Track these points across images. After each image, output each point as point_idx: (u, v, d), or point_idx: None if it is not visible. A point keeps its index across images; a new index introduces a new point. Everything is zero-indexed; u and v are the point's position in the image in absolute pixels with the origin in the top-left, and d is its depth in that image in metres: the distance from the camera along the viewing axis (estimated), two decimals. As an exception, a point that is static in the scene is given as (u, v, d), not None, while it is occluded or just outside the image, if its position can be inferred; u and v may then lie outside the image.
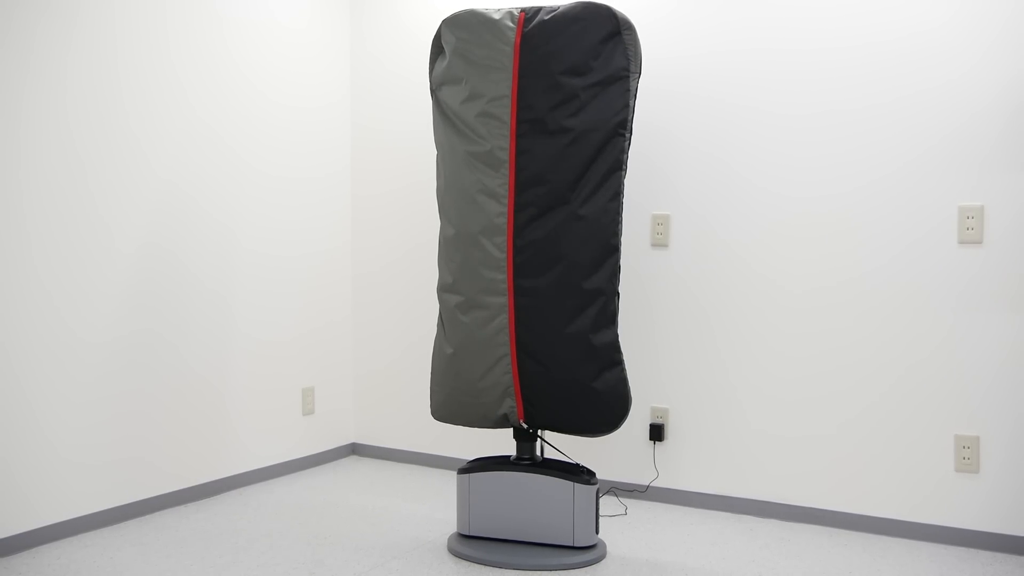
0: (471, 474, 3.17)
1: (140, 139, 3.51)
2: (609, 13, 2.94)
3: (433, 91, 3.20)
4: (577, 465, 3.14)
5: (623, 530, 3.41)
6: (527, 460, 3.17)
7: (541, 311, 3.00)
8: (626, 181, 3.79)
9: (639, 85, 3.76)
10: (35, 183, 3.16)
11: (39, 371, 3.18)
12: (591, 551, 3.08)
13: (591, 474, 3.13)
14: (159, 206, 3.58)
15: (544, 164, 2.97)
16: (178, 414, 3.68)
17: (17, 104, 3.10)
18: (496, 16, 3.03)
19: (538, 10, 3.03)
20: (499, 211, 3.03)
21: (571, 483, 3.06)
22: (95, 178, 3.35)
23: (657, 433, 3.74)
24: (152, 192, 3.55)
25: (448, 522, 3.50)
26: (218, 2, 3.81)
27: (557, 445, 3.84)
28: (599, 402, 3.00)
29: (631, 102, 2.98)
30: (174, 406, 3.66)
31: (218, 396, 3.85)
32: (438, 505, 3.73)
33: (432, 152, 4.28)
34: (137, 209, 3.50)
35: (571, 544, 3.08)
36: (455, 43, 3.08)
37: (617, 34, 2.95)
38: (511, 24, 3.00)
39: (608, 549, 3.20)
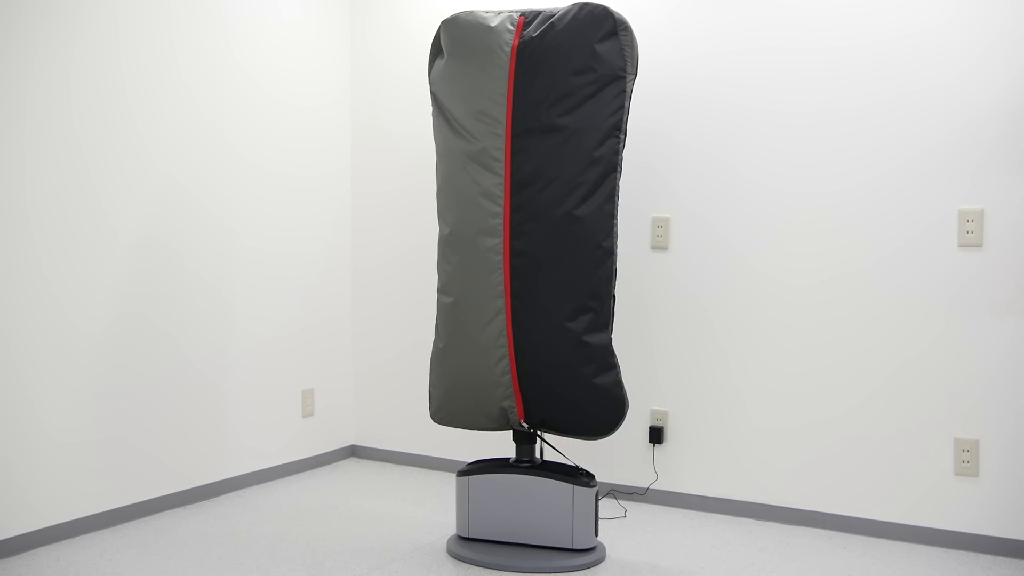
0: (470, 476, 3.17)
1: (143, 135, 3.51)
2: (606, 13, 2.94)
3: (432, 92, 3.20)
4: (576, 467, 3.14)
5: (622, 533, 3.41)
6: (526, 462, 3.17)
7: (537, 314, 3.00)
8: (625, 184, 3.79)
9: (635, 87, 3.76)
10: (38, 177, 3.17)
11: (41, 365, 3.18)
12: (590, 553, 3.08)
13: (590, 476, 3.12)
14: (160, 201, 3.58)
15: (539, 163, 2.97)
16: (179, 407, 3.68)
17: (21, 99, 3.11)
18: (496, 19, 3.03)
19: (537, 14, 3.03)
20: (495, 211, 3.03)
21: (570, 485, 3.06)
22: (97, 173, 3.35)
23: (657, 436, 3.73)
24: (153, 187, 3.56)
25: (447, 524, 3.50)
26: (221, 0, 3.81)
27: (557, 447, 3.84)
28: (596, 405, 2.99)
29: (626, 103, 2.98)
30: (174, 401, 3.66)
31: (218, 392, 3.85)
32: (437, 507, 3.72)
33: (432, 152, 4.28)
34: (138, 203, 3.50)
35: (570, 547, 3.07)
36: (453, 44, 3.08)
37: (614, 34, 2.95)
38: (510, 27, 3.00)
39: (607, 552, 3.20)
